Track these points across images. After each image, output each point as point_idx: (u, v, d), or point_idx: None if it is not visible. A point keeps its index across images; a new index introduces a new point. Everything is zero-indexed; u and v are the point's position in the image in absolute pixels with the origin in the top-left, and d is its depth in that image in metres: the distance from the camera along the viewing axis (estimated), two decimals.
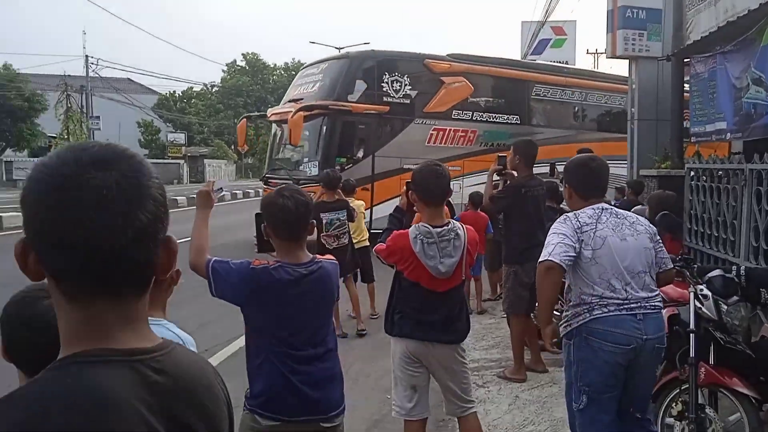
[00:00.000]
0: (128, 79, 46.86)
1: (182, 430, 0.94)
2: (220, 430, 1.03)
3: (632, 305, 2.98)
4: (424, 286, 3.18)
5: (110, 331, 0.91)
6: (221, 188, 2.83)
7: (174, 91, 55.06)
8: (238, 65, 58.28)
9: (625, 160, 10.02)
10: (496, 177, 5.39)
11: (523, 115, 14.66)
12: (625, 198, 8.19)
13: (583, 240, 3.02)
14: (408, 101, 13.22)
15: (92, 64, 35.32)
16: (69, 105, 32.18)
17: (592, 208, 3.15)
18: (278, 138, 14.20)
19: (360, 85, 12.86)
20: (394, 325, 3.28)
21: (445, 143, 13.59)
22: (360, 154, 12.80)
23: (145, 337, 0.96)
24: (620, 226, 3.11)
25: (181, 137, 48.08)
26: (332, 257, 2.77)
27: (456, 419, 3.59)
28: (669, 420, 3.58)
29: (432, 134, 13.50)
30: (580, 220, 3.09)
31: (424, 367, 3.25)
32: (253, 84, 55.67)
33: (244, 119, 15.72)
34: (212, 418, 1.01)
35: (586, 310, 3.01)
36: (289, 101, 13.58)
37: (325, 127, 12.46)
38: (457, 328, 3.28)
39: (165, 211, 0.95)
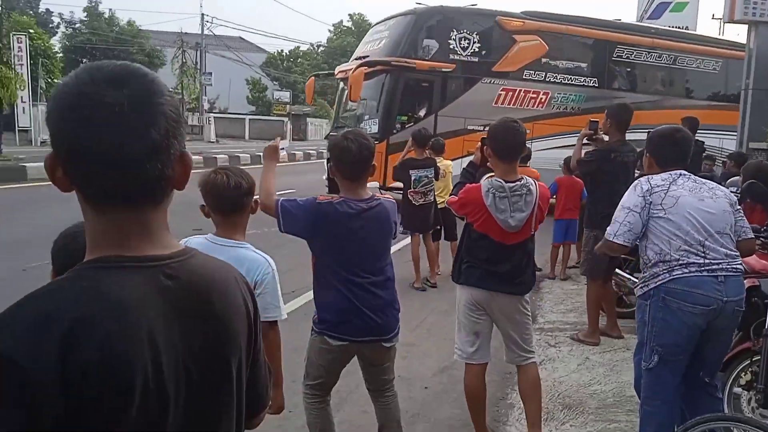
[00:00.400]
0: (240, 37, 48.64)
1: (192, 332, 1.00)
2: (235, 335, 1.08)
3: (713, 266, 2.93)
4: (493, 238, 3.28)
5: (128, 239, 0.98)
6: (283, 148, 3.06)
7: (281, 50, 56.53)
8: (344, 26, 58.81)
9: (717, 131, 9.44)
10: (585, 141, 5.35)
11: (602, 78, 13.64)
12: (726, 170, 7.79)
13: (651, 202, 3.01)
14: (476, 59, 12.63)
15: (207, 22, 37.01)
16: (184, 61, 33.92)
17: (669, 173, 3.12)
18: (343, 96, 13.88)
19: (426, 42, 12.44)
20: (461, 275, 3.42)
21: (513, 105, 12.77)
22: (422, 113, 12.41)
23: (162, 245, 1.02)
24: (698, 189, 3.07)
25: (286, 95, 49.46)
26: (389, 197, 2.97)
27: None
28: (737, 389, 3.52)
29: (500, 95, 12.77)
30: (651, 182, 3.08)
31: (488, 315, 3.38)
32: (358, 45, 56.03)
33: (313, 77, 15.44)
34: (226, 321, 1.06)
35: (665, 270, 2.98)
36: (356, 59, 13.31)
37: (386, 84, 12.09)
38: (522, 280, 3.37)
39: (177, 127, 0.99)
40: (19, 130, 22.10)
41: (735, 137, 9.42)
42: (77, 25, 42.11)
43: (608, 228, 3.15)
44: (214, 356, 1.04)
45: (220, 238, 2.37)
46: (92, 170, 0.95)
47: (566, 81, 13.32)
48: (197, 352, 1.01)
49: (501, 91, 12.78)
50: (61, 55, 31.20)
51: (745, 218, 3.17)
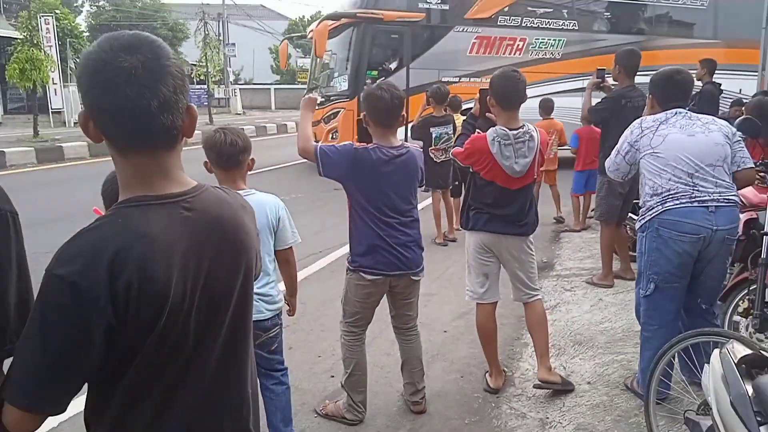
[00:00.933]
0: (261, 6, 48.48)
1: (209, 253, 1.25)
2: (246, 256, 1.35)
3: (704, 197, 3.12)
4: (499, 184, 3.50)
5: (151, 180, 1.22)
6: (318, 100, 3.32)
7: (303, 16, 56.23)
8: None
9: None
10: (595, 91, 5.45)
11: (582, 21, 12.99)
12: (730, 116, 7.75)
13: (639, 147, 3.29)
14: (447, 7, 12.16)
15: None
16: (206, 33, 34.07)
17: (664, 113, 3.29)
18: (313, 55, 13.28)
19: None
20: (469, 221, 3.65)
21: (489, 53, 12.28)
22: (393, 66, 12.05)
23: (179, 183, 1.25)
24: (690, 126, 3.23)
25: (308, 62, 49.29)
26: (417, 146, 3.27)
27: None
28: (736, 318, 3.73)
29: (474, 43, 12.26)
30: (642, 125, 3.29)
31: (495, 257, 3.62)
32: None
33: (285, 41, 14.67)
34: (237, 244, 1.32)
35: (659, 203, 3.19)
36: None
37: (354, 38, 11.63)
38: (526, 222, 3.59)
39: (183, 84, 1.20)
40: (52, 112, 22.66)
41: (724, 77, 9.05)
42: (101, 3, 42.53)
43: (608, 158, 3.54)
44: (227, 270, 1.31)
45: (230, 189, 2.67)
46: (116, 122, 1.17)
47: (544, 25, 12.73)
48: (214, 268, 1.27)
49: (475, 39, 12.28)
50: (87, 34, 31.64)
51: (745, 149, 3.31)
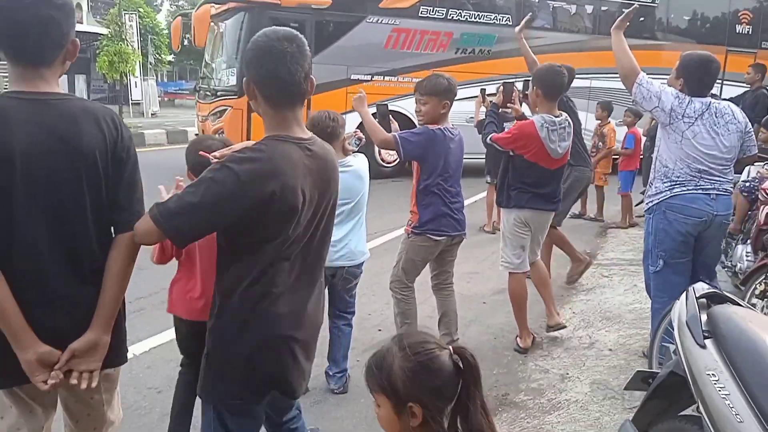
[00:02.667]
0: None
1: (319, 183, 1.83)
2: (336, 189, 1.95)
3: (707, 186, 3.50)
4: (541, 165, 3.98)
5: (290, 127, 1.81)
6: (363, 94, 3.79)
7: None
8: None
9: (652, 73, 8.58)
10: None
11: (516, 14, 11.16)
12: None
13: (674, 118, 3.48)
14: None
15: None
16: None
17: (701, 102, 3.54)
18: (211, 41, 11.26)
19: None
20: (510, 199, 4.10)
21: (408, 48, 10.86)
22: None
23: (303, 131, 1.86)
24: (714, 124, 3.56)
25: None
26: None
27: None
28: (754, 300, 4.04)
29: (391, 36, 10.73)
30: (687, 111, 3.49)
31: (530, 231, 4.08)
32: None
33: (179, 17, 12.59)
34: (333, 181, 1.93)
35: (668, 188, 3.56)
36: None
37: (244, 26, 9.90)
38: (558, 199, 4.15)
39: (310, 62, 1.80)
40: (132, 103, 24.10)
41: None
42: (180, 2, 44.56)
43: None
44: (328, 199, 1.91)
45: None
46: (278, 87, 1.76)
47: (472, 19, 11.28)
48: (321, 192, 1.86)
49: (392, 32, 10.74)
50: (166, 31, 33.31)
51: (753, 138, 3.68)
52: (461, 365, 1.35)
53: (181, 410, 2.75)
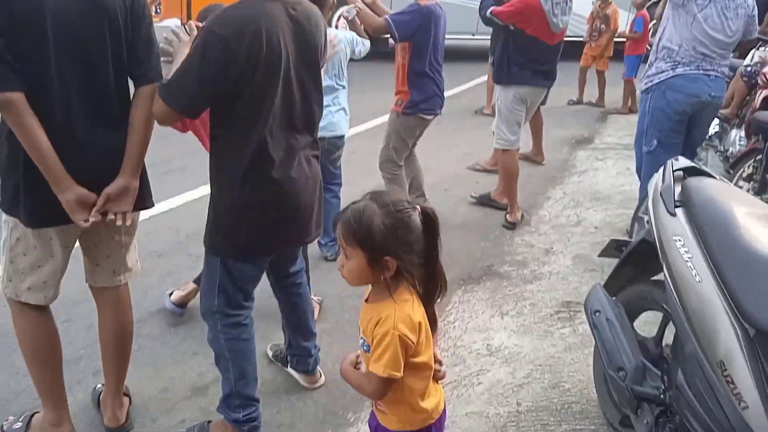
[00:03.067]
0: None
1: (300, 40, 1.90)
2: (317, 43, 2.00)
3: (707, 68, 3.50)
4: (542, 39, 3.95)
5: None
6: None
7: None
8: None
9: None
10: None
11: None
12: None
13: None
14: None
15: None
16: None
17: None
18: None
19: None
20: (511, 75, 4.08)
21: None
22: None
23: None
24: (727, 8, 3.48)
25: None
26: None
27: None
28: (741, 183, 4.12)
29: None
30: None
31: (527, 107, 4.12)
32: None
33: None
34: (315, 38, 1.98)
35: (670, 67, 3.55)
36: None
37: None
38: (555, 75, 4.19)
39: None
40: None
41: None
42: None
43: None
44: (309, 56, 1.97)
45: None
46: None
47: None
48: (302, 51, 1.93)
49: None
50: None
51: (756, 23, 3.63)
52: (427, 220, 1.45)
53: None
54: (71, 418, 2.22)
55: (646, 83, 3.72)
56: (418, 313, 1.45)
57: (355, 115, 3.60)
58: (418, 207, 1.46)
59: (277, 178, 1.94)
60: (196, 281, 2.94)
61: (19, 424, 2.23)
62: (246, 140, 1.88)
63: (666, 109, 3.58)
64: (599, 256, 2.55)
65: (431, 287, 1.49)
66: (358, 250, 1.43)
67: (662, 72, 3.58)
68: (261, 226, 1.99)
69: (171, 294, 3.01)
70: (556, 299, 3.28)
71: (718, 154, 4.99)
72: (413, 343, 1.42)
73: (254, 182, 1.92)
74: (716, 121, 4.68)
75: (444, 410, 1.60)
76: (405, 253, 1.42)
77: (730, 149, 4.72)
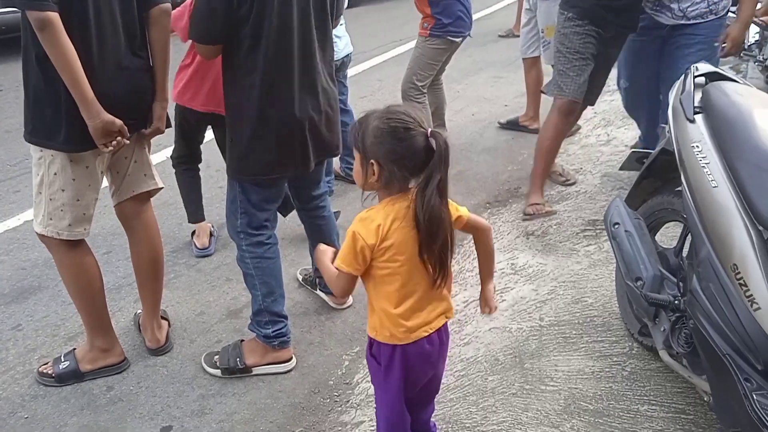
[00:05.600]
0: None
1: None
2: None
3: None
4: None
5: None
6: None
7: None
8: None
9: None
10: None
11: None
12: None
13: None
14: None
15: None
16: None
17: None
18: None
19: None
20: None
21: None
22: None
23: None
24: None
25: None
26: None
27: None
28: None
29: None
30: None
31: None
32: None
33: None
34: None
35: None
36: None
37: None
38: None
39: None
40: None
41: None
42: None
43: None
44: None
45: None
46: None
47: None
48: None
49: None
50: None
51: None
52: (434, 146, 1.41)
53: (189, 192, 3.16)
54: None
55: None
56: (383, 217, 1.45)
57: (381, 43, 3.56)
58: (428, 129, 1.45)
59: (284, 105, 2.03)
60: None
61: (66, 363, 2.28)
62: (253, 68, 1.97)
63: None
64: (620, 169, 2.53)
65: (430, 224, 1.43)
66: (356, 150, 1.49)
67: None
68: (269, 153, 2.06)
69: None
70: (582, 218, 3.27)
71: (757, 64, 4.77)
72: (367, 244, 1.44)
73: (263, 109, 2.01)
74: (755, 29, 4.46)
75: (442, 332, 1.60)
76: (387, 161, 1.43)
77: None
